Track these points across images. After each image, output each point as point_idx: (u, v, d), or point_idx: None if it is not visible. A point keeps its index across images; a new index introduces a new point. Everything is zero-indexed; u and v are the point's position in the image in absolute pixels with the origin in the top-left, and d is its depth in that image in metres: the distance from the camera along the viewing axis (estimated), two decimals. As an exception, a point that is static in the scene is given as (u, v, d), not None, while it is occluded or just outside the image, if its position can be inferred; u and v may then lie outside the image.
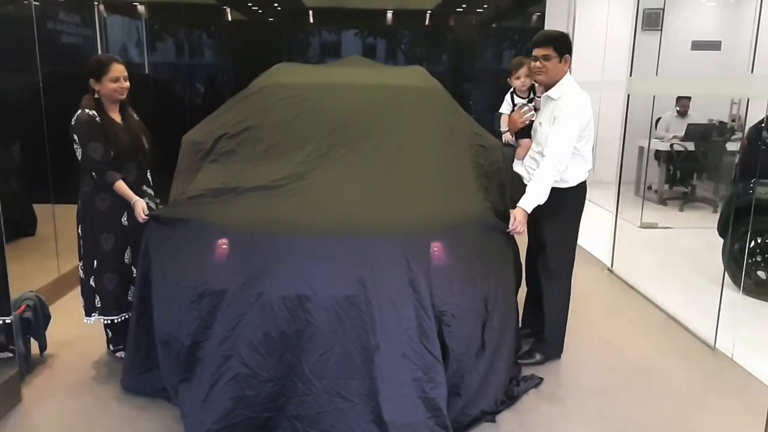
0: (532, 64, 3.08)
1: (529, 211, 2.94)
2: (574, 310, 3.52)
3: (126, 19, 6.83)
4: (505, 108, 3.46)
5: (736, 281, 4.12)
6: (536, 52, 3.04)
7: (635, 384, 3.13)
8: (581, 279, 4.33)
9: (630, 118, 5.02)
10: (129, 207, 3.05)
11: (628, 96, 4.88)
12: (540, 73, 3.06)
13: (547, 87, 3.11)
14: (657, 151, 7.26)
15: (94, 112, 2.97)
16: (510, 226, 2.89)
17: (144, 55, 6.86)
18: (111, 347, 3.34)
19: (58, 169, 4.19)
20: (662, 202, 7.27)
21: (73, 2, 5.34)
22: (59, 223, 4.29)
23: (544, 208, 3.02)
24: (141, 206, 2.94)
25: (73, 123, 2.97)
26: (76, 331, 3.51)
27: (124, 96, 3.06)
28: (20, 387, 2.92)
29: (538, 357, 3.31)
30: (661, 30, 5.92)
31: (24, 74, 4.18)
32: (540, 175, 2.98)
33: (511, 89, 3.44)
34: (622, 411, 2.87)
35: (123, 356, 3.15)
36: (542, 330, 3.29)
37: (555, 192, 3.04)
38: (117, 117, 3.09)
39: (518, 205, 2.95)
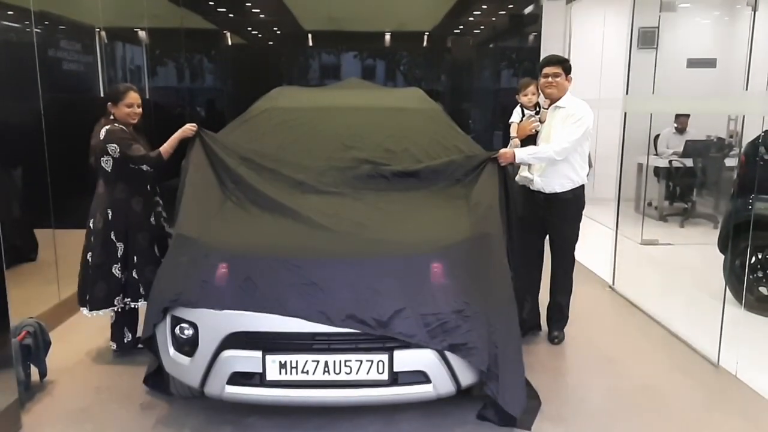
0: (543, 80, 3.59)
1: (517, 160, 3.42)
2: (576, 328, 3.51)
3: (127, 45, 6.90)
4: (515, 117, 3.98)
5: (738, 297, 4.10)
6: (547, 70, 3.57)
7: (639, 403, 3.10)
8: (582, 297, 4.32)
9: (628, 135, 5.03)
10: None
11: (625, 114, 4.90)
12: (551, 87, 3.58)
13: (554, 100, 3.60)
14: (656, 168, 7.28)
15: (121, 126, 3.35)
16: (499, 152, 3.34)
17: (144, 79, 6.93)
18: (129, 338, 3.51)
19: (59, 193, 4.21)
20: (662, 218, 7.27)
21: (74, 29, 5.41)
22: (60, 248, 4.29)
23: (554, 212, 3.62)
24: (186, 125, 3.33)
25: (103, 135, 3.28)
26: (77, 358, 3.50)
27: (136, 120, 3.44)
28: (20, 414, 2.90)
29: (559, 335, 3.81)
30: (656, 48, 5.98)
31: (25, 100, 4.22)
32: (546, 148, 3.48)
33: (519, 104, 3.97)
34: (626, 430, 2.85)
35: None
36: (561, 310, 3.82)
37: (560, 196, 3.57)
38: None
39: (514, 149, 3.46)
